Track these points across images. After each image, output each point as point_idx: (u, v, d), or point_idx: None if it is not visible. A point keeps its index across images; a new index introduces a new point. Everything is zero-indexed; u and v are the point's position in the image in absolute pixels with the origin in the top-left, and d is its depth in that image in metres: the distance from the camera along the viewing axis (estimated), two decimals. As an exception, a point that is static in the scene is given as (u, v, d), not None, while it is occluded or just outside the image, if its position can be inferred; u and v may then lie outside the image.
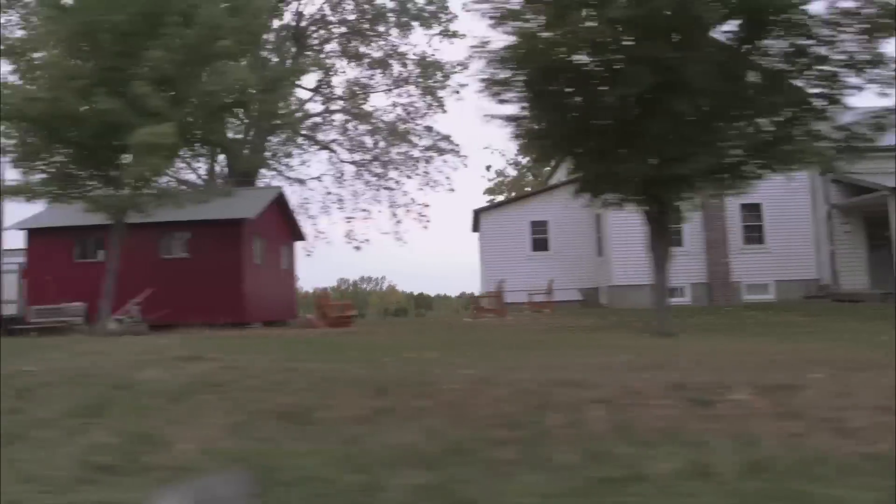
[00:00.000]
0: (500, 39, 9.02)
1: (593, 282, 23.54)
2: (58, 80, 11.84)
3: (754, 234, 21.56)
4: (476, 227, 30.62)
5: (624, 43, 8.57)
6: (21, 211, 26.59)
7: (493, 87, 9.55)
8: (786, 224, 21.09)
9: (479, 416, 4.35)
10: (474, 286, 33.13)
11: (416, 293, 50.32)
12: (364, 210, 22.95)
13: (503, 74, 9.35)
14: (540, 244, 24.44)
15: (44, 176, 13.50)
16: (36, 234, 18.03)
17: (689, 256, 21.12)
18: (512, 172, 51.72)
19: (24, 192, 13.23)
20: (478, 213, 26.81)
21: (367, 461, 3.45)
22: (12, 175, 14.28)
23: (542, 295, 20.65)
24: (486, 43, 9.23)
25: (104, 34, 12.06)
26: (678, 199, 9.82)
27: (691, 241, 21.19)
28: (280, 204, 21.01)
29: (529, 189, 48.89)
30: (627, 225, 21.25)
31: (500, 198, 49.84)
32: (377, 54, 23.91)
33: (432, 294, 51.19)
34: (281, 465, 3.41)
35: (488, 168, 52.46)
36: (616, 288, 21.36)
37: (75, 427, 4.26)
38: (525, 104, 9.83)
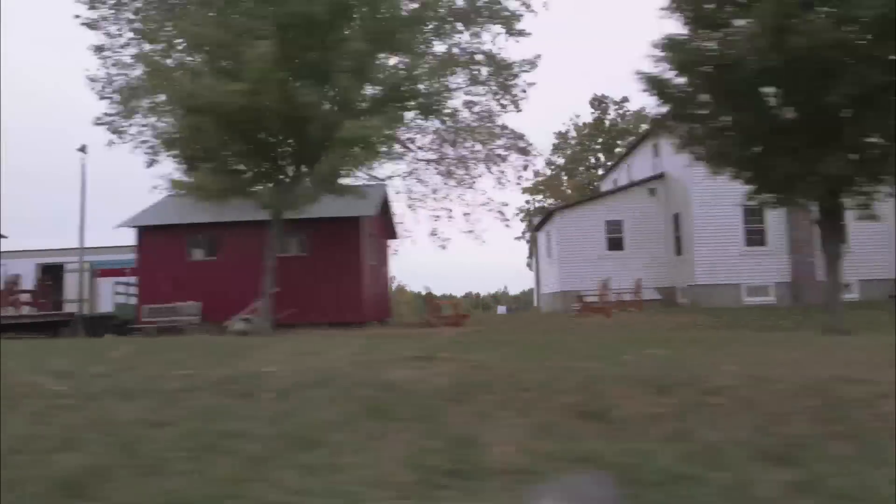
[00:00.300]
0: (700, 40, 9.27)
1: (669, 281, 23.76)
2: (260, 73, 11.79)
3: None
4: (538, 227, 30.99)
5: (857, 42, 8.59)
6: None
7: (662, 86, 9.84)
8: (869, 224, 21.18)
9: (787, 412, 4.49)
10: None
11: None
12: (446, 209, 23.14)
13: (676, 75, 9.62)
14: (614, 243, 24.72)
15: (211, 173, 13.58)
16: (147, 233, 18.31)
17: (773, 256, 21.36)
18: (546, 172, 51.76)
19: (201, 189, 13.34)
20: (549, 214, 27.13)
21: (714, 457, 3.48)
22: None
23: (628, 294, 20.92)
24: (668, 43, 9.50)
25: (301, 27, 12.20)
26: (862, 196, 9.92)
27: (775, 240, 21.43)
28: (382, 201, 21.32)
29: (568, 189, 49.28)
30: (712, 225, 21.58)
31: (538, 198, 50.23)
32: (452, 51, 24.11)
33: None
34: (626, 463, 3.38)
35: (525, 168, 52.85)
36: (698, 287, 21.59)
37: (374, 430, 4.20)
38: (705, 103, 10.07)
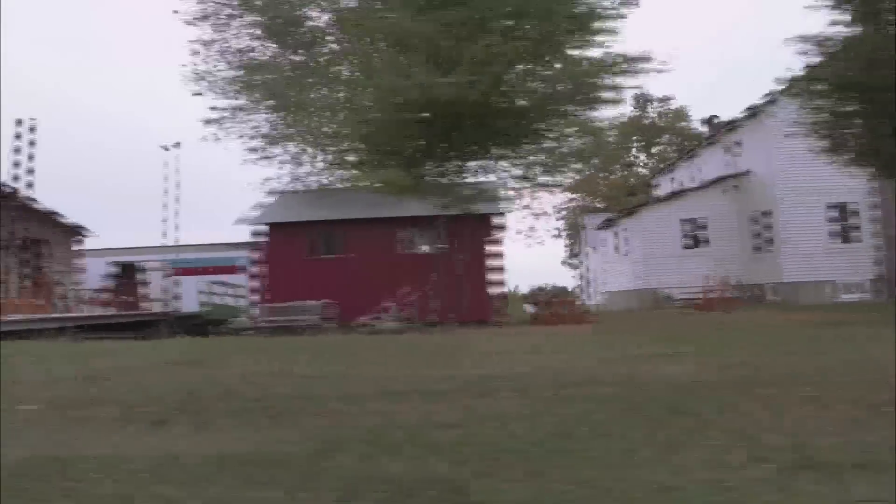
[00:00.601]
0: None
1: (746, 278, 23.86)
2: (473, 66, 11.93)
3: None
4: (603, 226, 31.13)
5: None
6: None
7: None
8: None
9: None
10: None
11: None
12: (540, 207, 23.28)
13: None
14: (692, 241, 24.86)
15: (400, 168, 13.61)
16: (267, 230, 18.17)
17: (863, 253, 21.52)
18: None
19: (389, 184, 13.39)
20: (621, 213, 27.28)
21: None
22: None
23: (716, 291, 21.07)
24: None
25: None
26: None
27: (866, 237, 21.58)
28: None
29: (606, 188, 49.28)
30: (799, 222, 21.72)
31: (576, 196, 50.22)
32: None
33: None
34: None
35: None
36: (786, 284, 21.73)
37: (684, 425, 4.31)
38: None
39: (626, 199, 40.69)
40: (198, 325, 21.84)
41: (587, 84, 13.21)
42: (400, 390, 6.26)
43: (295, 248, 17.82)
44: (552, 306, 16.64)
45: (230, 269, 26.46)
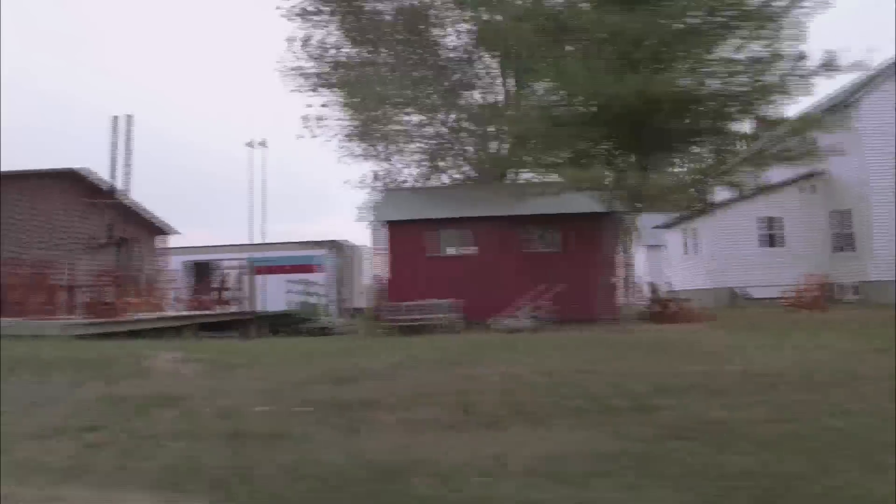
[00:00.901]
0: None
1: (832, 277, 24.02)
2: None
3: None
4: (670, 225, 31.26)
5: None
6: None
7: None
8: None
9: None
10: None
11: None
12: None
13: None
14: (770, 239, 25.10)
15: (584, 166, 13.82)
16: (389, 228, 18.28)
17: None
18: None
19: (578, 181, 13.53)
20: (692, 212, 27.39)
21: None
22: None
23: (810, 290, 21.25)
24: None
25: None
26: None
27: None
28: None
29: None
30: (888, 221, 21.93)
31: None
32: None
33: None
34: None
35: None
36: (872, 283, 21.96)
37: None
38: None
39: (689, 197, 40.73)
40: (287, 324, 22.03)
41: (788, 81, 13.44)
42: (677, 387, 6.43)
43: (416, 246, 17.91)
44: (667, 304, 16.81)
45: (308, 268, 26.63)
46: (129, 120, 21.41)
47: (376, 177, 24.59)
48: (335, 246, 26.97)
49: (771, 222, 25.19)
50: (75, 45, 77.21)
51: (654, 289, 19.60)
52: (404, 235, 18.08)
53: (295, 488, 3.65)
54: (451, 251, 18.01)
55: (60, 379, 7.72)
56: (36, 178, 18.82)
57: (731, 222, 25.31)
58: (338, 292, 26.64)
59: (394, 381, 7.26)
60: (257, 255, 26.31)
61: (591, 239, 17.13)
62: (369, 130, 22.76)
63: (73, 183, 20.34)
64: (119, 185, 21.22)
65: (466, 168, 22.78)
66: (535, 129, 15.59)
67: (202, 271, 27.18)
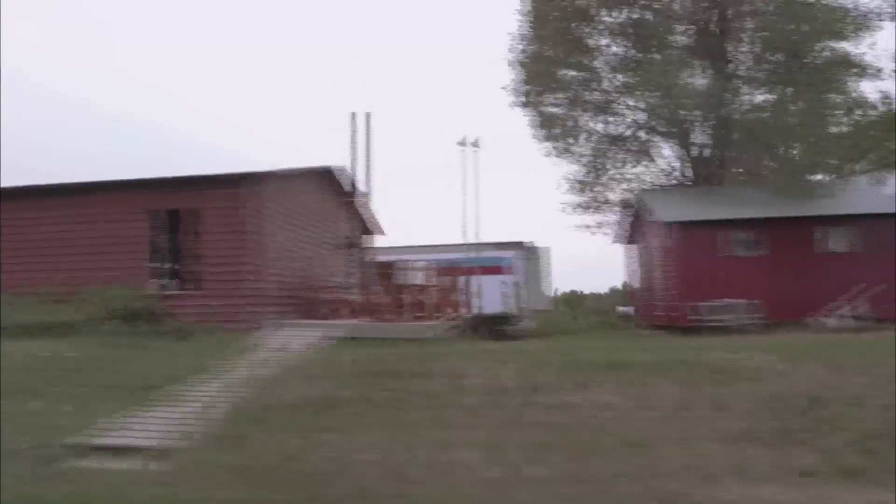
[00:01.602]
0: None
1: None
2: None
3: None
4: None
5: None
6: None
7: None
8: None
9: None
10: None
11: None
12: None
13: None
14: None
15: None
16: (678, 229, 18.32)
17: None
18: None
19: None
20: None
21: None
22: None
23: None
24: None
25: None
26: None
27: None
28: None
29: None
30: None
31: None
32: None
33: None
34: None
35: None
36: None
37: None
38: None
39: None
40: (500, 325, 21.86)
41: None
42: None
43: (706, 247, 17.95)
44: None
45: (496, 270, 26.43)
46: (368, 118, 21.03)
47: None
48: (523, 247, 26.86)
49: None
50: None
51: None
52: (688, 236, 18.12)
53: None
54: (743, 252, 18.07)
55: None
56: (300, 177, 18.44)
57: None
58: (526, 294, 26.53)
59: None
60: (448, 256, 26.04)
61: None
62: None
63: (327, 182, 19.96)
64: (360, 185, 20.87)
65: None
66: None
67: (387, 272, 26.80)
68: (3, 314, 14.83)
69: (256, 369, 11.27)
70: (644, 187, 24.30)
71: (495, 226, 74.25)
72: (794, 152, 22.34)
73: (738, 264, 17.88)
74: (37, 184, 16.02)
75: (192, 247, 15.53)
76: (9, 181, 17.93)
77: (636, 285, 24.21)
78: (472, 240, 24.61)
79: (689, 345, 12.18)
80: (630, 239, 23.92)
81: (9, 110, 64.94)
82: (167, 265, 16.13)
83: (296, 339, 13.76)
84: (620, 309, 43.36)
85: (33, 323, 14.25)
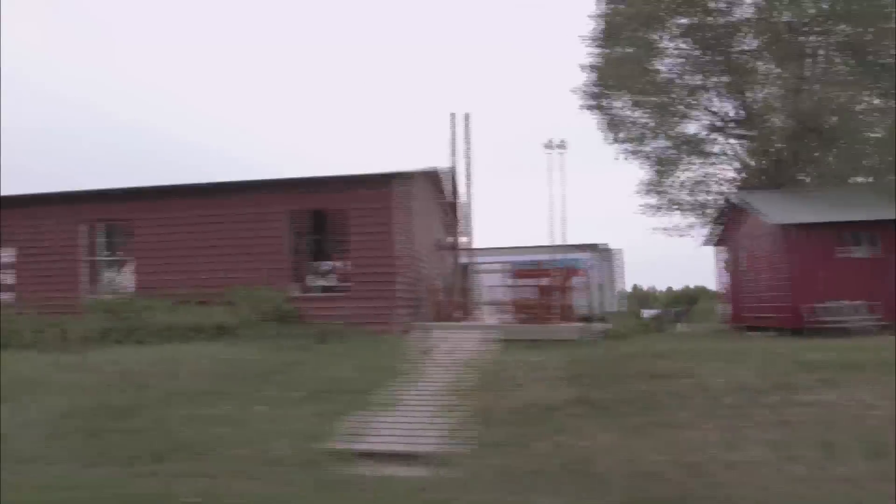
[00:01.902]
0: None
1: None
2: None
3: None
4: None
5: None
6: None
7: None
8: None
9: None
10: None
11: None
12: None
13: None
14: None
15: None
16: (792, 231, 18.34)
17: None
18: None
19: None
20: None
21: None
22: None
23: None
24: None
25: None
26: None
27: None
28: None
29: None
30: None
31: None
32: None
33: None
34: None
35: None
36: None
37: None
38: None
39: None
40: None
41: None
42: None
43: (820, 248, 18.04)
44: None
45: (573, 272, 26.42)
46: (467, 118, 20.91)
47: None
48: (597, 249, 26.87)
49: None
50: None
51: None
52: (808, 238, 18.20)
53: None
54: (858, 254, 18.20)
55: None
56: (421, 178, 18.28)
57: None
58: (601, 296, 26.56)
59: None
60: (530, 258, 26.03)
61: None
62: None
63: (433, 183, 19.80)
64: (460, 187, 20.73)
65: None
66: None
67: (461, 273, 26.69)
68: (143, 316, 14.51)
69: (450, 372, 11.09)
70: (734, 190, 24.50)
71: (572, 228, 74.82)
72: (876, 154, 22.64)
73: (852, 265, 17.99)
74: (171, 184, 15.68)
75: (335, 248, 15.30)
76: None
77: (727, 288, 24.31)
78: (557, 242, 24.57)
79: (842, 345, 12.18)
80: (721, 241, 24.01)
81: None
82: (309, 266, 15.85)
83: (458, 341, 13.59)
84: (646, 312, 43.53)
85: (182, 325, 13.96)
